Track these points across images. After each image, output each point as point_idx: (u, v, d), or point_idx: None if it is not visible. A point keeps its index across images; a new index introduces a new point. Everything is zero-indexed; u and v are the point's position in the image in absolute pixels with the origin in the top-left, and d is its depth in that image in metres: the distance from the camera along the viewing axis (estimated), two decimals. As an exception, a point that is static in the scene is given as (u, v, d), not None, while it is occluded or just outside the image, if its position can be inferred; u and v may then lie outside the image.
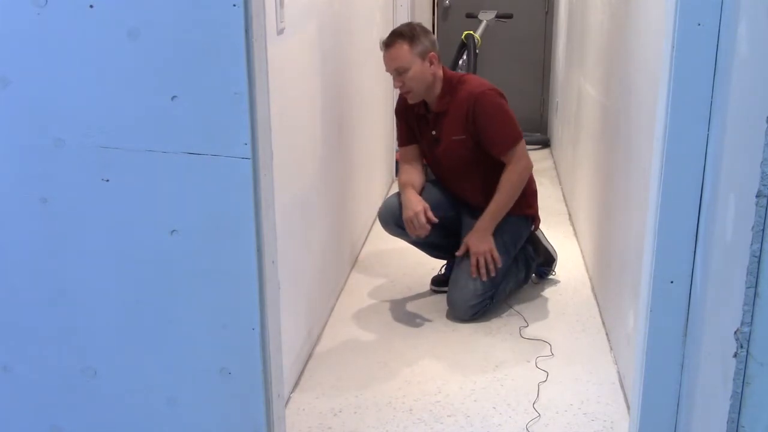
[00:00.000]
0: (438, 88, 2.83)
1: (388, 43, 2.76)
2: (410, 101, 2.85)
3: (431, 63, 2.77)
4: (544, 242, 3.19)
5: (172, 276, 1.68)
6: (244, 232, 1.63)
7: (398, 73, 2.75)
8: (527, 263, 3.06)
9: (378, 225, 3.86)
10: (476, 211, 2.93)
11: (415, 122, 2.95)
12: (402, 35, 2.74)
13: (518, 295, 3.08)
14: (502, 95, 2.84)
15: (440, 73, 2.83)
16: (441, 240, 3.02)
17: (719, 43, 1.54)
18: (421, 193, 2.90)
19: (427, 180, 3.03)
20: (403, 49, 2.72)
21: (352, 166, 3.32)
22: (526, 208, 2.97)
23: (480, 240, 2.83)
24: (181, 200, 1.63)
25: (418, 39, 2.75)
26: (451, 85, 2.83)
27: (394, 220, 2.93)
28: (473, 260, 2.83)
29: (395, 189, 3.13)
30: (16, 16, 1.56)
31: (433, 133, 2.89)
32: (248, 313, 1.68)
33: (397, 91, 2.91)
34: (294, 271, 2.39)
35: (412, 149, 2.99)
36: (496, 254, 2.83)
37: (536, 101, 5.92)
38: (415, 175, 2.95)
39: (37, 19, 1.56)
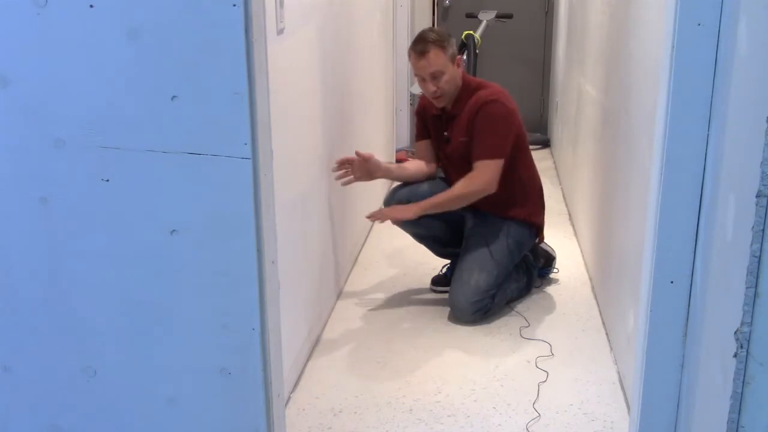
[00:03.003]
0: (457, 91, 2.89)
1: (423, 51, 2.80)
2: (439, 105, 2.90)
3: (458, 66, 2.87)
4: (542, 245, 3.20)
5: (172, 276, 1.68)
6: (244, 232, 1.62)
7: (434, 77, 2.80)
8: (528, 271, 3.07)
9: (378, 225, 3.87)
10: (478, 210, 2.97)
11: (431, 122, 3.02)
12: (434, 41, 2.80)
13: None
14: (509, 108, 2.86)
15: (462, 76, 2.91)
16: (444, 234, 3.07)
17: (719, 43, 1.54)
18: (427, 187, 2.99)
19: (437, 176, 3.10)
20: (438, 54, 2.79)
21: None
22: (531, 216, 3.01)
23: (401, 207, 2.88)
24: (181, 200, 1.63)
25: (448, 43, 2.83)
26: (468, 91, 2.89)
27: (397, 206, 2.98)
28: (380, 210, 2.88)
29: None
30: (16, 16, 1.56)
31: (445, 133, 2.96)
32: (248, 313, 1.68)
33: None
34: (294, 271, 2.39)
35: (424, 143, 3.09)
36: (397, 216, 2.85)
37: (536, 101, 5.92)
38: (417, 161, 3.08)
39: (37, 19, 1.56)
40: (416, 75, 2.88)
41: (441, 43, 2.80)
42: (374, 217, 2.85)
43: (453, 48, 2.86)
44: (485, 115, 2.82)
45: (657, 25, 1.98)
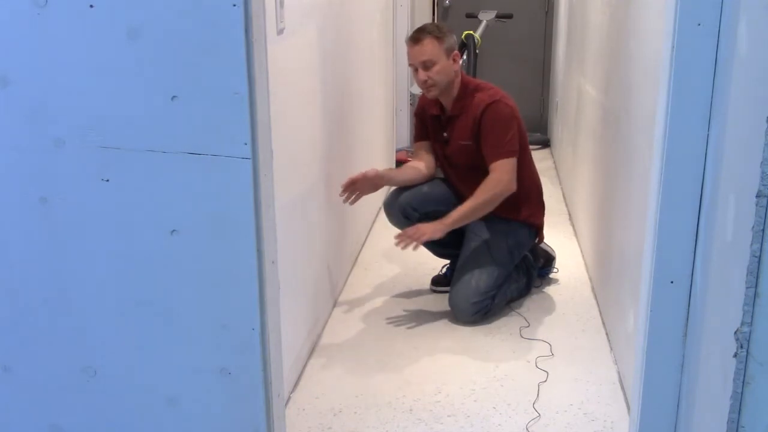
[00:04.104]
0: (455, 89, 2.88)
1: (418, 38, 2.82)
2: (430, 95, 2.89)
3: (454, 61, 2.86)
4: (542, 245, 3.20)
5: (172, 276, 1.68)
6: (244, 232, 1.63)
7: (425, 66, 2.81)
8: (528, 272, 3.07)
9: (378, 225, 3.88)
10: None
11: (430, 123, 3.02)
12: (431, 32, 2.83)
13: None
14: (513, 108, 2.86)
15: (459, 74, 2.90)
16: (444, 235, 3.05)
17: (719, 43, 1.54)
18: (428, 188, 2.99)
19: (436, 176, 3.09)
20: (432, 44, 2.79)
21: (352, 165, 3.32)
22: (531, 217, 3.00)
23: (428, 226, 2.78)
24: (181, 200, 1.63)
25: (446, 36, 2.83)
26: (467, 91, 2.88)
27: (399, 209, 2.97)
28: (406, 231, 2.77)
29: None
30: (16, 16, 1.56)
31: (445, 134, 2.96)
32: (248, 313, 1.68)
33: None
34: (294, 271, 2.39)
35: (423, 144, 3.08)
36: (426, 236, 2.74)
37: (536, 101, 5.92)
38: (416, 162, 3.06)
39: (37, 19, 1.56)
40: (410, 65, 2.87)
41: (437, 34, 2.81)
42: (403, 241, 2.73)
43: (450, 42, 2.84)
44: (493, 116, 2.81)
45: (657, 25, 1.98)
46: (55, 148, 1.63)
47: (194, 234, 1.65)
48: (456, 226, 2.80)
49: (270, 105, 1.67)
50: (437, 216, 2.95)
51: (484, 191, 2.79)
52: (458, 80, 2.89)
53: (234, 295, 1.67)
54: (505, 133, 2.81)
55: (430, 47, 2.79)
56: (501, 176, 2.79)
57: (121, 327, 1.73)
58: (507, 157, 2.80)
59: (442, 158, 3.02)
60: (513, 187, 2.81)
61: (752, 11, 1.37)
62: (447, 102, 2.91)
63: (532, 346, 2.70)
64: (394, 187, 3.11)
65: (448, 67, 2.83)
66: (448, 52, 2.83)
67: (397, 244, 2.77)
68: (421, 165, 3.04)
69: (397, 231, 3.08)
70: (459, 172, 2.97)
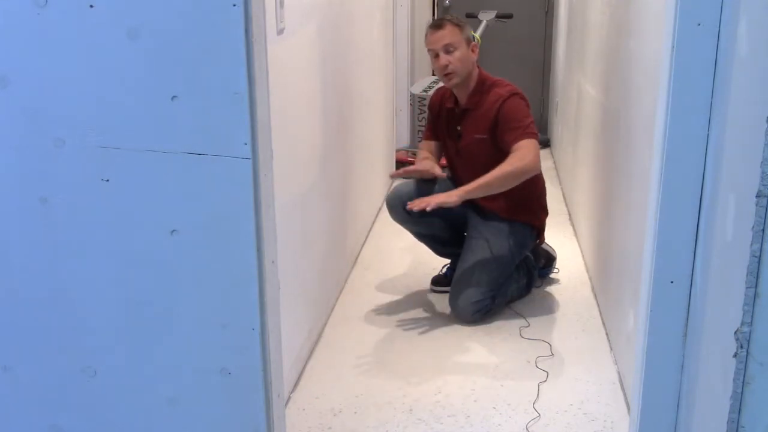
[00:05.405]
0: (472, 83, 2.90)
1: (439, 24, 2.87)
2: (449, 84, 2.90)
3: (473, 51, 2.90)
4: (543, 245, 3.20)
5: (172, 276, 1.68)
6: (244, 232, 1.62)
7: (447, 51, 2.83)
8: (529, 272, 3.07)
9: (378, 225, 3.88)
10: (484, 212, 2.96)
11: (444, 116, 3.02)
12: (451, 20, 2.88)
13: (518, 295, 3.08)
14: (527, 102, 2.88)
15: (477, 67, 2.92)
16: (445, 233, 3.06)
17: (719, 43, 1.54)
18: (434, 186, 2.99)
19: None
20: (453, 30, 2.84)
21: (352, 165, 3.32)
22: (534, 218, 3.01)
23: (443, 193, 2.76)
24: (181, 200, 1.63)
25: (465, 27, 2.89)
26: (484, 86, 2.90)
27: (401, 205, 2.97)
28: (421, 199, 2.74)
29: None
30: (16, 16, 1.56)
31: (458, 128, 2.96)
32: (248, 313, 1.68)
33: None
34: (294, 271, 2.39)
35: (432, 144, 3.10)
36: (439, 200, 2.70)
37: (536, 101, 5.92)
38: (429, 156, 3.10)
39: (37, 19, 1.56)
40: (429, 51, 2.88)
41: (457, 23, 2.86)
42: (416, 205, 2.68)
43: (468, 33, 2.88)
44: (512, 105, 2.81)
45: (657, 25, 1.98)
46: (55, 148, 1.63)
47: (194, 234, 1.64)
48: (472, 196, 2.73)
49: (270, 105, 1.67)
50: (438, 213, 2.95)
51: (508, 164, 2.72)
52: (476, 73, 2.90)
53: (234, 295, 1.67)
54: (526, 118, 2.81)
55: (450, 32, 2.83)
56: (526, 153, 2.73)
57: (121, 327, 1.73)
58: (529, 138, 2.76)
59: (453, 153, 3.01)
60: (537, 166, 2.76)
61: (752, 11, 1.38)
62: (462, 95, 2.92)
63: (532, 346, 2.70)
64: (396, 184, 3.11)
65: (468, 56, 2.86)
66: (467, 42, 2.87)
67: (408, 208, 2.71)
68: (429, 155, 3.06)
69: (398, 228, 3.09)
70: (470, 168, 2.93)
